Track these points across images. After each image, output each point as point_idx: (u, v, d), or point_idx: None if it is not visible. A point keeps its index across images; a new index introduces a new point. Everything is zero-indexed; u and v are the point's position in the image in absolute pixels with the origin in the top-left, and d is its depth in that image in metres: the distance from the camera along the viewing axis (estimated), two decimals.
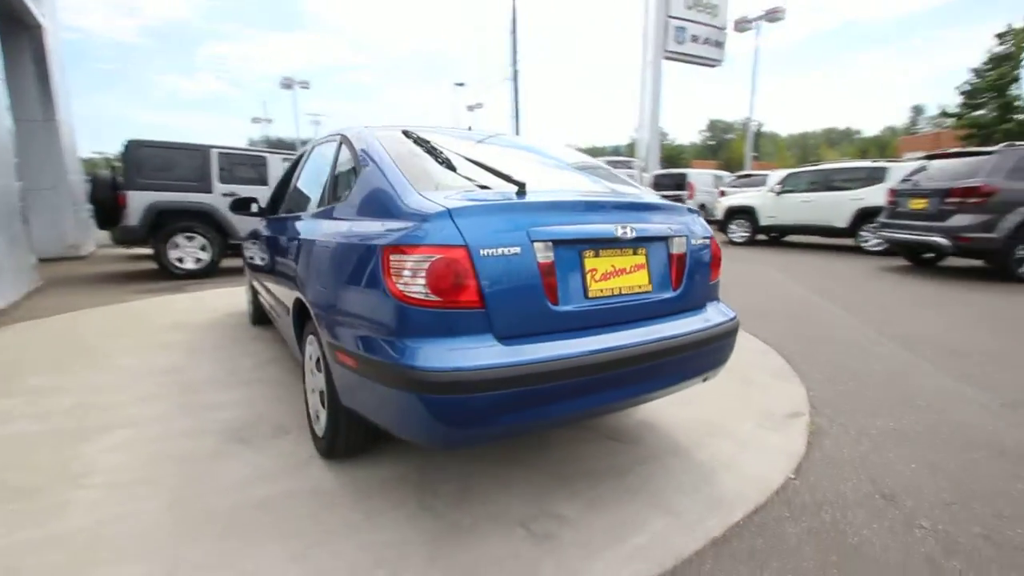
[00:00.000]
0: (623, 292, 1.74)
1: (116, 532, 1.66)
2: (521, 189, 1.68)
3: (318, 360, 2.04)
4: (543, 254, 1.57)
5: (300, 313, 2.26)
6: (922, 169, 7.26)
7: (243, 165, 7.03)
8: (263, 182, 7.08)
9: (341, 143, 2.29)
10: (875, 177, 8.94)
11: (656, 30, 15.74)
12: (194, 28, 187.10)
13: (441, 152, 1.94)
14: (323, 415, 2.01)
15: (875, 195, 8.53)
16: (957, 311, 4.72)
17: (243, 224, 6.82)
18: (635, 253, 1.79)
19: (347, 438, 1.95)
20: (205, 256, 6.84)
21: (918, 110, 79.78)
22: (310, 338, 2.14)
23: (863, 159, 14.10)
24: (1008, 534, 1.66)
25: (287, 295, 2.43)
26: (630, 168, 20.27)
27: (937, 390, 2.85)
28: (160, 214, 6.44)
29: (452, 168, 1.85)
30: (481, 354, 1.45)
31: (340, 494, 1.87)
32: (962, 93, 24.18)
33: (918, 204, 6.87)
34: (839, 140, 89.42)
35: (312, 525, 1.70)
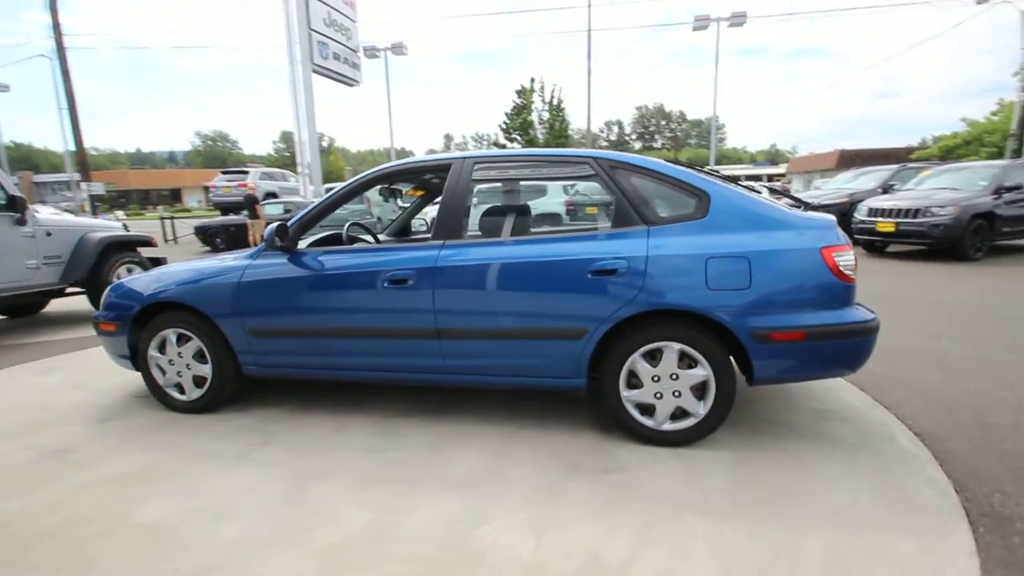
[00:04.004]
0: None
1: None
2: (807, 207, 2.61)
3: (680, 359, 2.32)
4: None
5: (606, 334, 2.36)
6: (576, 190, 10.78)
7: None
8: None
9: (611, 168, 2.46)
10: (542, 191, 12.20)
11: (302, 42, 15.47)
12: None
13: (728, 178, 2.58)
14: (700, 405, 2.34)
15: (555, 205, 11.70)
16: None
17: None
18: None
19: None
20: None
21: (448, 137, 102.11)
22: (646, 349, 2.34)
23: None
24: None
25: (564, 322, 2.38)
26: (285, 180, 19.02)
27: None
28: None
29: (756, 191, 2.55)
30: (866, 311, 2.37)
31: (763, 462, 2.34)
32: (502, 129, 33.17)
33: (592, 210, 10.16)
34: (400, 158, 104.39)
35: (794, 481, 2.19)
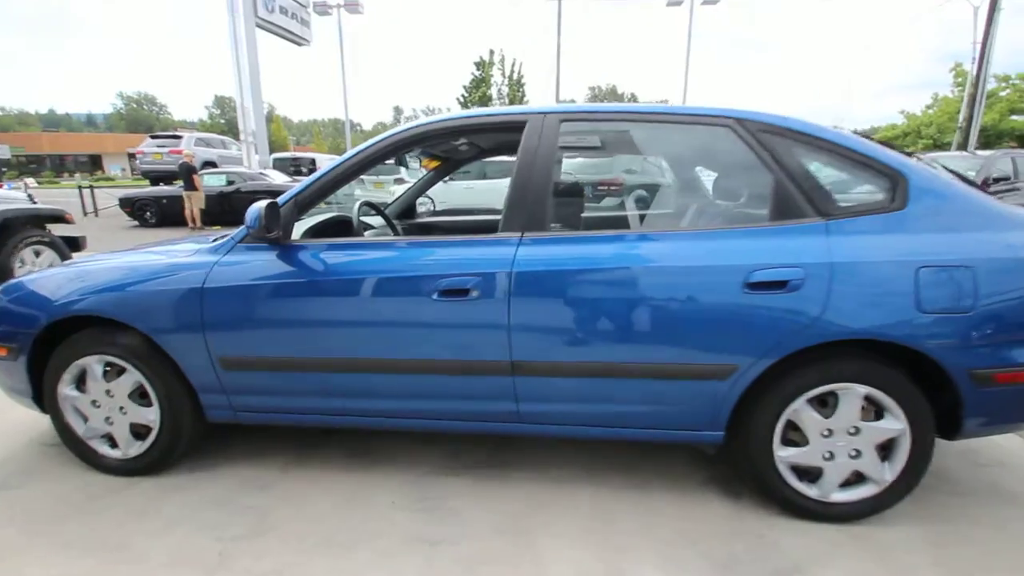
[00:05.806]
0: None
1: None
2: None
3: (864, 407, 1.67)
4: None
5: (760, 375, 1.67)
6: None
7: None
8: None
9: (764, 133, 1.73)
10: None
11: None
12: None
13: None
14: (885, 469, 1.70)
15: None
16: None
17: None
18: None
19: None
20: None
21: (398, 110, 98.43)
22: (815, 392, 1.67)
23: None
24: None
25: (704, 355, 1.67)
26: (225, 148, 17.17)
27: None
28: None
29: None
30: None
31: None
32: (460, 103, 31.89)
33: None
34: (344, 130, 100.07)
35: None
